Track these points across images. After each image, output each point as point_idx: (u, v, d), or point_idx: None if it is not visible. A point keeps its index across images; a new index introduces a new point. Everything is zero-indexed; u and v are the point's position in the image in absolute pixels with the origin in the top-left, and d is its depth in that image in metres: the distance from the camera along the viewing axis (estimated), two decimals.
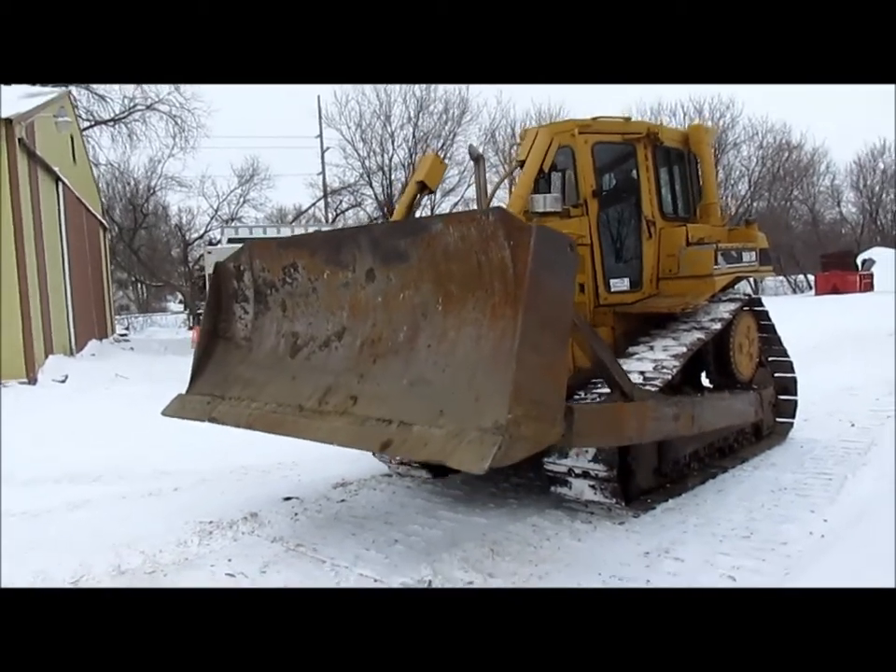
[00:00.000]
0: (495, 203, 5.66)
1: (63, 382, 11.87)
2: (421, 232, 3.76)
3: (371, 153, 31.06)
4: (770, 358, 6.85)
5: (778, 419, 6.87)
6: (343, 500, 5.47)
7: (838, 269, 31.86)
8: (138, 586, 3.96)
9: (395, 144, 30.93)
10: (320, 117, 31.90)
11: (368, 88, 29.83)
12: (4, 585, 3.87)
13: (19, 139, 11.79)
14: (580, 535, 4.55)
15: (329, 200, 33.43)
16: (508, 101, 49.88)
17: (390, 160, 31.02)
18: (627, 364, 5.27)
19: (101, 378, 12.35)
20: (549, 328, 3.31)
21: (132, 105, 26.42)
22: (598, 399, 4.58)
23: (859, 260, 33.10)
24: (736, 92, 35.08)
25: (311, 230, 18.05)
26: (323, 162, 32.86)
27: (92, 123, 26.48)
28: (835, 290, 29.47)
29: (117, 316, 28.53)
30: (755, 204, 37.73)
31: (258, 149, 44.60)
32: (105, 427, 8.35)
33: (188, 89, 26.42)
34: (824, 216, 45.18)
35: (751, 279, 8.61)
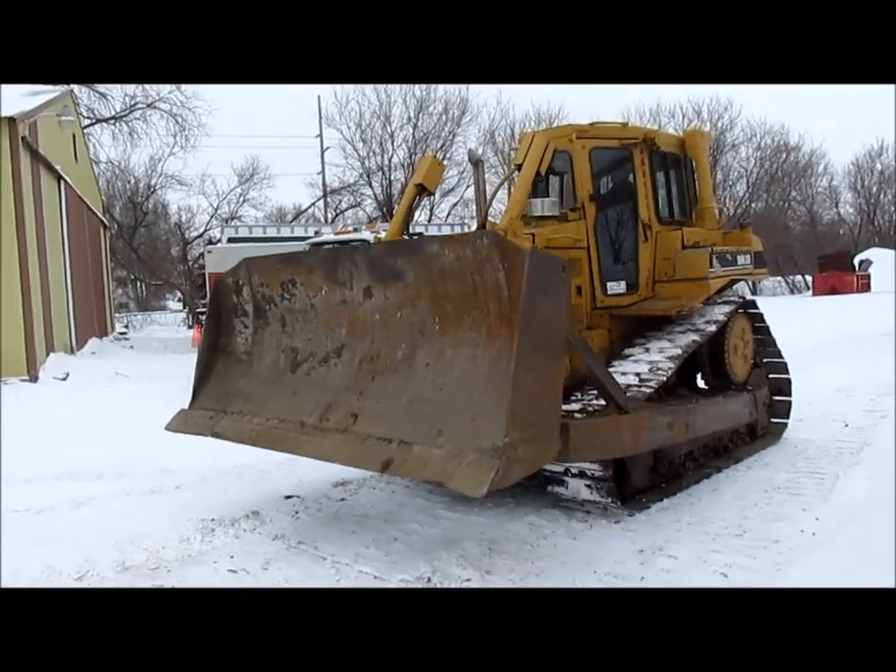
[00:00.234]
0: (494, 204, 5.73)
1: (64, 380, 11.89)
2: (417, 253, 3.83)
3: (371, 153, 31.21)
4: (764, 360, 6.92)
5: (773, 419, 6.95)
6: (343, 499, 5.53)
7: (836, 269, 31.90)
8: (142, 582, 4.01)
9: (395, 144, 31.09)
10: (320, 117, 31.99)
11: (368, 88, 29.93)
12: (11, 581, 3.92)
13: (22, 137, 11.80)
14: (576, 533, 4.61)
15: (329, 199, 33.48)
16: (507, 101, 50.01)
17: (390, 160, 31.15)
18: (623, 366, 5.35)
19: (101, 376, 12.37)
20: (543, 350, 3.38)
21: (133, 103, 26.39)
22: (593, 405, 4.66)
23: (856, 261, 33.15)
24: (735, 94, 35.19)
25: (311, 229, 18.11)
26: (323, 162, 32.93)
27: (93, 121, 26.42)
28: (833, 291, 29.49)
29: (116, 314, 28.50)
30: (753, 205, 37.77)
31: (258, 149, 44.46)
32: (105, 424, 8.37)
33: (189, 88, 26.38)
34: (822, 216, 45.27)
35: (749, 281, 8.68)
